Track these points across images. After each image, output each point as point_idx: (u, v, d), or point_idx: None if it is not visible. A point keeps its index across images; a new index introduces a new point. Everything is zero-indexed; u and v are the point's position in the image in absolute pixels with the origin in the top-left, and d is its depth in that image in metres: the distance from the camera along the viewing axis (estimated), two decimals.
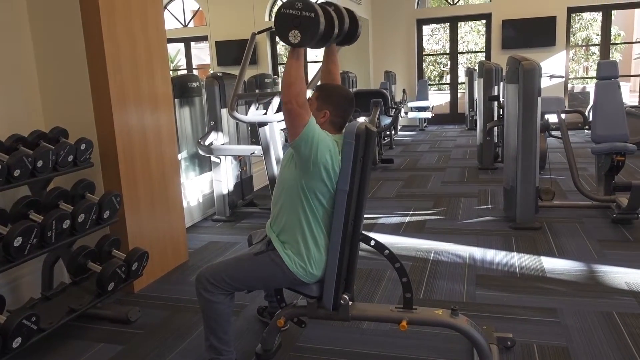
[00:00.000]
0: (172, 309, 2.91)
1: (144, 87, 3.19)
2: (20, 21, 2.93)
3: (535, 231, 3.90)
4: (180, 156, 4.74)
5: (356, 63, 10.86)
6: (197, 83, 4.88)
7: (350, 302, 2.18)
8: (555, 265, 3.25)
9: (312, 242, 2.06)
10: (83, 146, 2.74)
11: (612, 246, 3.54)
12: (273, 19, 1.88)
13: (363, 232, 2.18)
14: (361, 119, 7.97)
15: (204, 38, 12.41)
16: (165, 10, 12.70)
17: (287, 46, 1.87)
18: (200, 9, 12.47)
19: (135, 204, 3.13)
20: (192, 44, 13.02)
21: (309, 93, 2.19)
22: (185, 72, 13.01)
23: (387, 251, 2.18)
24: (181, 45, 13.25)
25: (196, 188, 4.70)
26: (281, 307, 2.31)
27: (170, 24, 12.89)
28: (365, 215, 4.58)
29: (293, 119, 1.90)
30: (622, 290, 2.86)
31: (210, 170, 4.71)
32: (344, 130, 2.04)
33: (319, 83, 2.29)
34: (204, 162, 4.92)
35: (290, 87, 1.87)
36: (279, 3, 10.85)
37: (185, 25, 12.72)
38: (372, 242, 2.19)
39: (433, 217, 4.45)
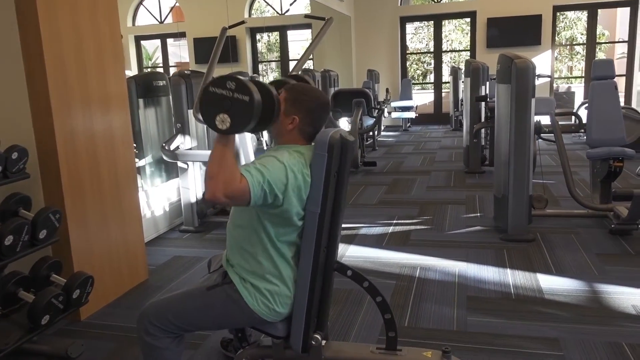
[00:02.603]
0: (121, 340, 2.54)
1: (92, 87, 2.81)
2: None
3: (529, 243, 3.60)
4: (144, 161, 4.36)
5: (338, 62, 10.53)
6: (164, 82, 4.49)
7: (324, 342, 1.84)
8: (553, 284, 2.94)
9: (275, 275, 1.72)
10: (15, 155, 2.35)
11: (613, 261, 3.25)
12: (198, 95, 1.51)
13: (338, 260, 1.84)
14: (343, 120, 7.67)
15: (182, 34, 11.98)
16: (141, 5, 12.28)
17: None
18: (177, 4, 12.03)
19: (82, 220, 2.75)
20: (171, 40, 12.57)
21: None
22: (161, 70, 12.58)
23: (366, 283, 1.84)
24: (158, 42, 12.81)
25: (162, 196, 4.32)
26: (242, 346, 1.97)
27: (147, 20, 12.43)
28: (346, 225, 4.30)
29: (232, 205, 1.60)
30: (630, 315, 2.56)
31: (178, 176, 4.33)
32: (314, 141, 1.69)
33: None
34: (171, 167, 4.54)
35: (211, 180, 1.48)
36: None
37: (161, 22, 12.26)
38: (349, 272, 1.84)
39: (418, 227, 4.13)
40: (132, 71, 11.54)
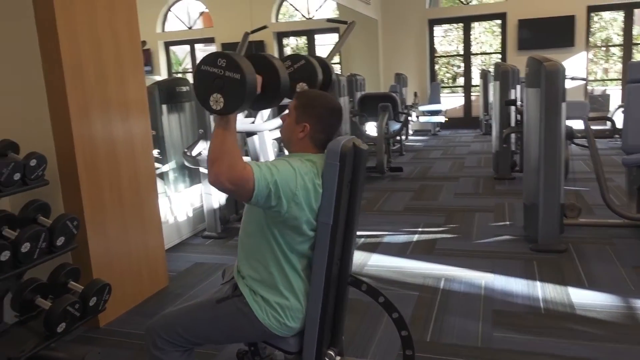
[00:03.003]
0: (139, 348, 2.51)
1: (112, 93, 2.80)
2: None
3: (560, 254, 3.44)
4: (167, 167, 4.37)
5: (365, 65, 10.45)
6: (187, 87, 4.49)
7: (338, 358, 1.77)
8: (585, 298, 2.80)
9: (286, 288, 1.65)
10: (33, 162, 2.35)
11: None
12: (193, 75, 1.47)
13: (353, 274, 1.76)
14: (370, 124, 7.57)
15: (211, 40, 12.09)
16: (170, 12, 12.44)
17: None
18: (206, 10, 12.14)
19: (101, 227, 2.74)
20: (200, 45, 12.70)
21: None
22: (191, 75, 12.71)
23: (382, 298, 1.76)
24: (187, 48, 12.95)
25: (185, 202, 4.31)
26: None
27: (176, 26, 12.58)
28: (369, 233, 4.22)
29: (232, 195, 1.52)
30: None
31: (201, 182, 4.32)
32: (326, 150, 1.63)
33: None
34: (194, 173, 4.53)
35: (213, 164, 1.43)
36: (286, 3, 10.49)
37: (190, 28, 12.40)
38: (364, 287, 1.76)
39: (444, 236, 4.01)
40: (161, 76, 11.70)
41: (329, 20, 4.68)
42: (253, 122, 3.50)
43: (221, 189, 1.47)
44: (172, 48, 13.06)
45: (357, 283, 1.77)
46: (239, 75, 1.38)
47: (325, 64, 1.94)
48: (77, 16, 2.58)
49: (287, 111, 1.71)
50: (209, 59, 1.42)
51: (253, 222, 1.67)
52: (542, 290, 2.92)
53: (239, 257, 1.75)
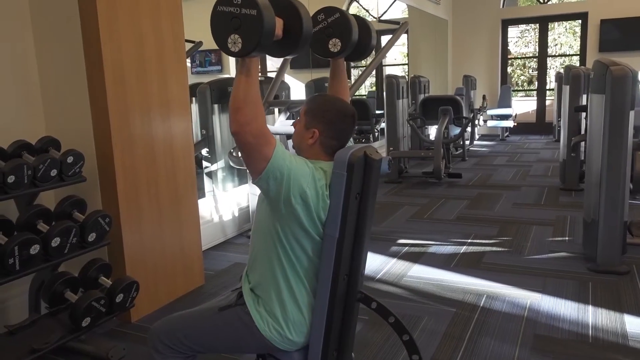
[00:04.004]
0: None
1: (152, 92, 2.85)
2: (22, 15, 2.68)
3: (621, 277, 3.14)
4: (216, 166, 4.42)
5: (432, 67, 10.17)
6: None
7: None
8: None
9: (290, 299, 1.58)
10: (70, 159, 2.43)
11: None
12: (210, 18, 1.40)
13: (362, 291, 1.66)
14: (432, 129, 7.34)
15: None
16: None
17: None
18: None
19: (136, 224, 2.79)
20: None
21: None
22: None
23: (392, 318, 1.64)
24: None
25: (232, 201, 4.35)
26: None
27: None
28: (415, 242, 4.06)
29: (249, 154, 1.43)
30: None
31: (248, 182, 4.34)
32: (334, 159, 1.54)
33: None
34: (243, 172, 4.56)
35: (237, 112, 1.38)
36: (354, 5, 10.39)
37: None
38: (374, 305, 1.66)
39: (494, 249, 3.78)
40: (230, 75, 11.95)
41: (382, 20, 4.56)
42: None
43: (242, 141, 1.41)
44: None
45: (366, 300, 1.67)
46: (255, 11, 1.32)
47: (365, 24, 1.82)
48: (120, 13, 2.63)
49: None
50: None
51: (262, 222, 1.62)
52: (593, 316, 2.67)
53: (248, 260, 1.71)
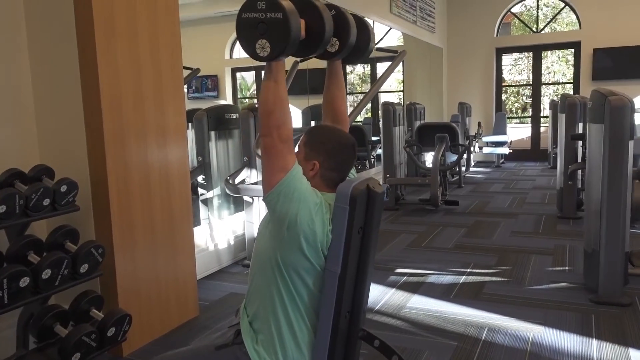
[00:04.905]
0: None
1: (149, 120, 2.81)
2: (18, 39, 2.65)
3: (624, 309, 3.09)
4: (212, 193, 4.37)
5: (427, 94, 10.24)
6: (237, 114, 4.51)
7: None
8: None
9: (290, 337, 1.52)
10: (64, 188, 2.37)
11: None
12: (236, 26, 1.40)
13: (365, 328, 1.60)
14: (429, 155, 7.33)
15: None
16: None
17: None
18: None
19: (130, 254, 2.72)
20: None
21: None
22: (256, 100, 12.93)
23: (395, 357, 1.58)
24: (253, 74, 13.22)
25: (228, 229, 4.28)
26: None
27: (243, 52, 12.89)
28: (414, 271, 4.00)
29: (271, 158, 1.42)
30: None
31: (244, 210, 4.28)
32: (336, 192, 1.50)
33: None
34: (239, 200, 4.50)
35: (269, 115, 1.40)
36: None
37: None
38: (377, 343, 1.60)
39: (494, 279, 3.73)
40: (226, 101, 11.98)
41: (379, 49, 4.59)
42: None
43: (269, 145, 1.41)
44: (242, 74, 13.38)
45: (369, 338, 1.61)
46: (281, 14, 1.33)
47: (363, 24, 1.76)
48: (118, 41, 2.61)
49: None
50: (248, 4, 1.37)
51: (263, 252, 1.56)
52: (598, 350, 2.61)
53: (247, 292, 1.65)
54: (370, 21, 8.42)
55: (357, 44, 1.72)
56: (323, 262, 1.50)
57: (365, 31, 1.76)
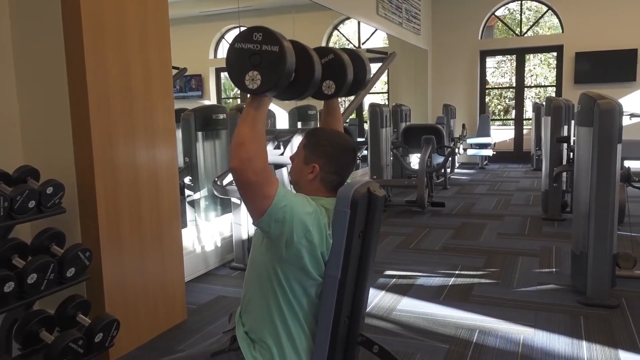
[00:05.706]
0: None
1: (138, 121, 2.75)
2: (2, 38, 2.57)
3: (611, 310, 3.11)
4: (199, 195, 4.31)
5: (413, 96, 10.27)
6: (224, 115, 4.46)
7: None
8: None
9: (288, 345, 1.50)
10: (50, 189, 2.31)
11: None
12: (226, 54, 1.35)
13: (363, 333, 1.58)
14: (415, 156, 7.35)
15: None
16: (223, 40, 12.72)
17: None
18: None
19: (117, 257, 2.66)
20: None
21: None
22: (240, 101, 12.87)
23: None
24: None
25: (215, 231, 4.23)
26: None
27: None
28: (403, 273, 3.99)
29: (249, 193, 1.36)
30: None
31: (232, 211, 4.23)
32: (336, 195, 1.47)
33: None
34: (226, 202, 4.45)
35: (240, 147, 1.30)
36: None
37: None
38: (376, 348, 1.58)
39: (483, 281, 3.74)
40: (210, 102, 11.89)
41: (369, 50, 4.58)
42: (282, 154, 3.39)
43: (242, 178, 1.33)
44: (226, 74, 13.31)
45: (368, 344, 1.59)
46: (278, 47, 1.28)
47: (359, 58, 1.73)
48: (107, 41, 2.55)
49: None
50: (244, 34, 1.31)
51: (259, 262, 1.53)
52: (588, 352, 2.63)
53: (242, 301, 1.61)
54: (355, 22, 8.44)
55: (354, 79, 1.69)
56: (324, 270, 1.47)
57: (361, 66, 1.74)
